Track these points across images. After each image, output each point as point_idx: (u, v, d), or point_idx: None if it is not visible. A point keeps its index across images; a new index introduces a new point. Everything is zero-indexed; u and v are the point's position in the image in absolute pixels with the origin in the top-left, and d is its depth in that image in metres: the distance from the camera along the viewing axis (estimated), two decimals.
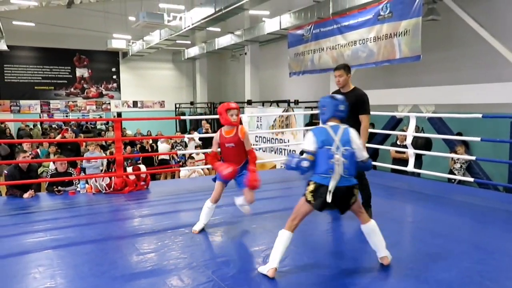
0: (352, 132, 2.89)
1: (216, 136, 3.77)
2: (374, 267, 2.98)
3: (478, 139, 5.37)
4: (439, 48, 9.74)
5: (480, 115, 5.08)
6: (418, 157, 8.73)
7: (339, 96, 2.98)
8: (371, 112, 4.11)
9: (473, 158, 6.10)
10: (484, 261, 3.08)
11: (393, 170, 7.11)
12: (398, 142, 7.77)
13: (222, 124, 3.69)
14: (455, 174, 7.52)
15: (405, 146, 6.53)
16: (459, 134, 9.25)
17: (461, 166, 7.62)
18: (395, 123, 9.32)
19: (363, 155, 2.91)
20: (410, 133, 5.85)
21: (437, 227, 3.95)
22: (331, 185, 2.70)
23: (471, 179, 5.84)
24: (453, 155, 7.23)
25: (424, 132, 9.13)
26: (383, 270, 2.93)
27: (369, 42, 8.72)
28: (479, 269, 2.93)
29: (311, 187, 2.77)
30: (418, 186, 5.95)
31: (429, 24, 8.97)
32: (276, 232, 2.89)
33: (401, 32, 7.96)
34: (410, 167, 5.99)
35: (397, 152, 7.68)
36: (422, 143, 8.49)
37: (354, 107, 3.73)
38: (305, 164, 2.77)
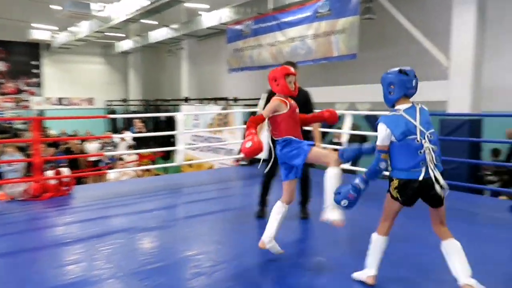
0: (426, 109, 2.55)
1: (275, 103, 2.99)
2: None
3: None
4: (375, 47, 10.23)
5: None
6: None
7: (407, 68, 2.54)
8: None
9: None
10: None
11: None
12: (335, 140, 8.04)
13: (274, 92, 3.10)
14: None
15: (341, 144, 6.76)
16: None
17: None
18: None
19: None
20: (346, 131, 6.05)
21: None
22: (433, 175, 2.40)
23: None
24: None
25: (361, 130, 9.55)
26: None
27: (308, 39, 8.93)
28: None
29: (396, 183, 2.46)
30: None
31: (366, 22, 9.37)
32: (212, 234, 2.82)
33: (339, 30, 8.24)
34: (347, 165, 6.22)
35: (334, 150, 7.94)
36: (358, 141, 8.87)
37: (304, 107, 3.53)
38: (383, 165, 2.50)
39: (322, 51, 8.68)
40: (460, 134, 7.03)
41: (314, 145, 2.99)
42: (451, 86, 7.43)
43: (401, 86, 2.49)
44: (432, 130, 2.46)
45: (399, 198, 2.49)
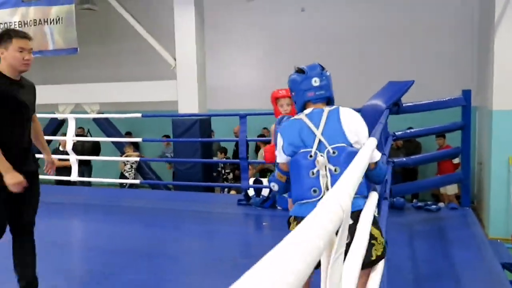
0: (346, 114, 1.93)
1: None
2: None
3: (140, 139, 5.76)
4: (99, 41, 9.91)
5: (139, 115, 5.45)
6: (86, 163, 8.63)
7: (307, 66, 2.05)
8: None
9: (137, 159, 6.55)
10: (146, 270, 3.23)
11: (58, 182, 6.75)
12: (60, 148, 7.40)
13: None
14: (126, 177, 7.88)
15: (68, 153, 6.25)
16: (128, 133, 9.79)
17: (131, 167, 8.06)
18: (57, 125, 8.84)
19: (373, 155, 1.89)
20: (70, 137, 5.62)
21: (109, 243, 3.91)
22: None
23: (138, 181, 6.24)
24: (120, 158, 7.55)
25: (91, 135, 9.11)
26: None
27: (13, 27, 7.82)
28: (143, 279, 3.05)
29: (293, 227, 1.78)
30: (86, 196, 5.86)
31: (87, 14, 8.96)
32: None
33: (53, 20, 7.56)
34: (74, 176, 5.78)
35: (59, 160, 7.28)
36: (89, 147, 8.43)
37: (33, 104, 2.75)
38: (275, 188, 2.05)
39: (34, 43, 7.75)
40: (192, 134, 7.60)
41: None
42: (179, 86, 7.94)
43: (297, 90, 2.00)
44: (341, 145, 1.84)
45: None
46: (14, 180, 2.40)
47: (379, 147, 2.11)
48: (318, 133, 1.84)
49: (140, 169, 8.37)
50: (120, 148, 8.59)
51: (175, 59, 8.01)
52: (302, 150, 1.85)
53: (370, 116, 4.27)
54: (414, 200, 6.57)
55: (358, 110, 4.46)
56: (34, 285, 2.64)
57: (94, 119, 8.53)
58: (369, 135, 2.03)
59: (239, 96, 9.54)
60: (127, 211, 5.13)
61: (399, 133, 4.66)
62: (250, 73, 9.71)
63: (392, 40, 8.64)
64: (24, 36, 2.61)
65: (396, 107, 4.37)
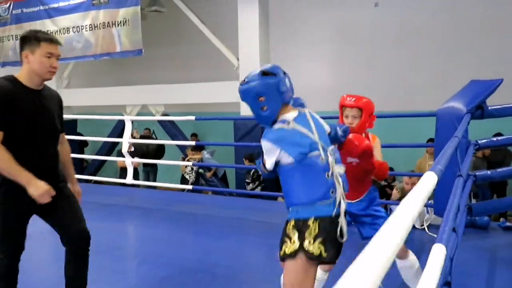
0: (320, 119, 2.02)
1: None
2: None
3: (193, 143, 5.48)
4: (166, 43, 9.92)
5: (193, 118, 5.22)
6: (152, 164, 8.65)
7: (268, 67, 1.95)
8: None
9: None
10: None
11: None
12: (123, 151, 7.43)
13: None
14: (187, 180, 7.74)
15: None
16: (194, 135, 9.69)
17: (192, 169, 7.88)
18: (123, 127, 8.96)
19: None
20: (126, 139, 5.54)
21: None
22: (344, 210, 1.84)
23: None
24: (182, 162, 7.43)
25: (156, 136, 9.13)
26: None
27: (84, 30, 8.03)
28: None
29: (314, 227, 1.77)
30: (142, 199, 5.76)
31: (155, 16, 8.99)
32: None
33: (120, 22, 7.64)
34: (129, 178, 5.69)
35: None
36: (154, 149, 8.44)
37: (58, 117, 2.43)
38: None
39: (103, 45, 7.92)
40: (253, 137, 7.27)
41: None
42: None
43: (274, 93, 1.87)
44: (333, 147, 1.95)
45: (322, 254, 1.76)
46: (39, 190, 2.13)
47: (454, 157, 1.98)
48: (316, 137, 1.87)
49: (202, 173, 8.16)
50: (183, 151, 8.49)
51: (238, 59, 7.74)
52: (313, 154, 1.84)
53: (448, 121, 3.65)
54: (502, 219, 5.58)
55: (433, 114, 3.85)
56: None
57: (159, 121, 8.52)
58: (446, 142, 1.93)
59: (304, 95, 9.01)
60: (183, 217, 4.89)
61: (483, 141, 3.90)
62: (317, 71, 9.08)
63: (475, 35, 7.62)
64: (54, 40, 2.30)
65: (479, 111, 3.71)
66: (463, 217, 3.01)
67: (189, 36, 9.40)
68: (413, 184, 4.25)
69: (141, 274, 3.31)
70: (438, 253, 1.35)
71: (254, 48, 7.47)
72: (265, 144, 1.87)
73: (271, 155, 1.86)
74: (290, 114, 1.91)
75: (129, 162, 5.69)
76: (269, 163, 1.88)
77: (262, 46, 7.50)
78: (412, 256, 2.42)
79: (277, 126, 1.89)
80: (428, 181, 1.43)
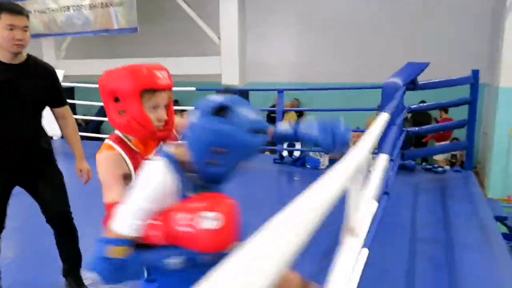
0: None
1: None
2: None
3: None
4: (154, 21, 10.39)
5: (194, 88, 5.97)
6: None
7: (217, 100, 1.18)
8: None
9: None
10: None
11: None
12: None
13: None
14: None
15: None
16: (175, 102, 10.35)
17: None
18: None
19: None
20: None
21: None
22: None
23: None
24: None
25: None
26: None
27: (84, 9, 8.38)
28: None
29: None
30: None
31: None
32: None
33: (117, 3, 8.06)
34: None
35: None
36: None
37: (47, 91, 2.16)
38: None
39: (101, 22, 8.33)
40: None
41: None
42: (223, 61, 8.41)
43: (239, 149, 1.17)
44: None
45: None
46: None
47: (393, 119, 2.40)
48: None
49: None
50: None
51: (219, 38, 8.44)
52: None
53: (390, 92, 4.67)
54: (423, 163, 6.93)
55: (380, 87, 4.86)
56: (78, 261, 2.31)
57: None
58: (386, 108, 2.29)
59: (276, 69, 10.01)
60: None
61: (413, 106, 5.04)
62: (286, 49, 10.10)
63: (412, 26, 8.90)
64: (16, 10, 1.91)
65: (412, 85, 4.72)
66: (398, 157, 4.03)
67: (174, 16, 9.96)
68: (358, 137, 5.26)
69: None
70: (382, 159, 1.91)
71: (233, 29, 8.22)
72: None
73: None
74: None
75: None
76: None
77: (240, 27, 8.27)
78: None
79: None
80: (382, 118, 2.17)
